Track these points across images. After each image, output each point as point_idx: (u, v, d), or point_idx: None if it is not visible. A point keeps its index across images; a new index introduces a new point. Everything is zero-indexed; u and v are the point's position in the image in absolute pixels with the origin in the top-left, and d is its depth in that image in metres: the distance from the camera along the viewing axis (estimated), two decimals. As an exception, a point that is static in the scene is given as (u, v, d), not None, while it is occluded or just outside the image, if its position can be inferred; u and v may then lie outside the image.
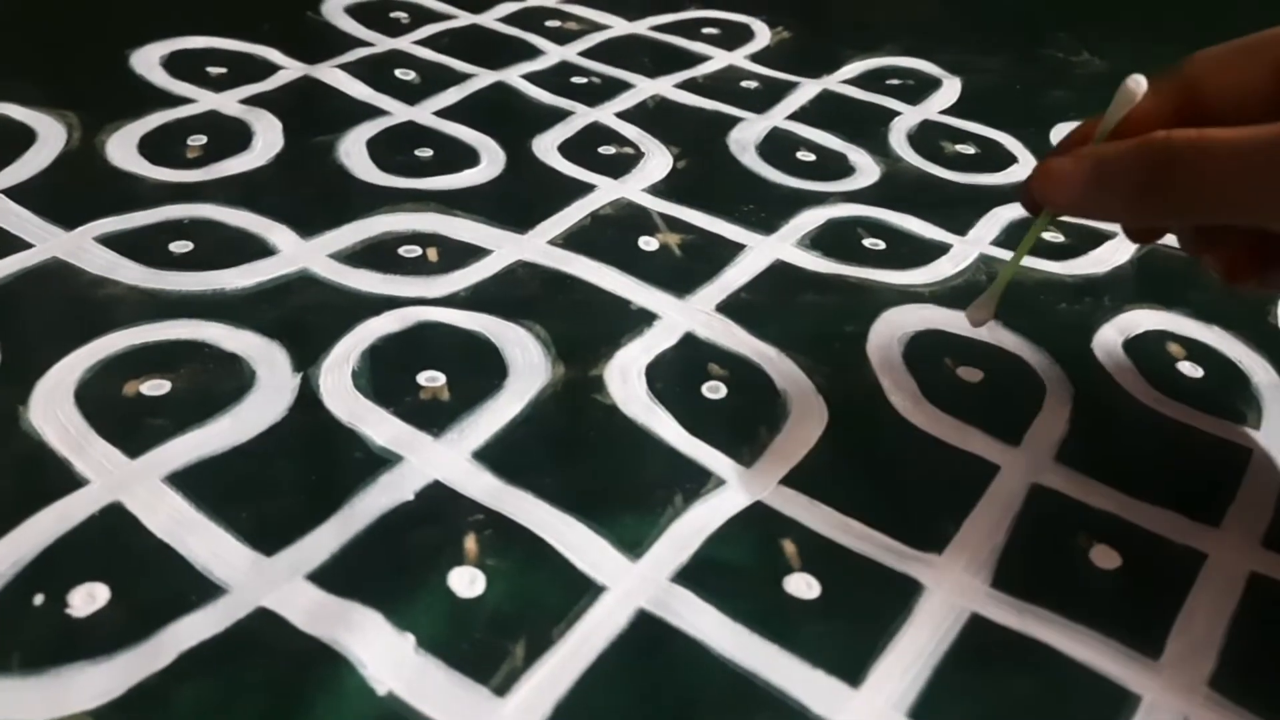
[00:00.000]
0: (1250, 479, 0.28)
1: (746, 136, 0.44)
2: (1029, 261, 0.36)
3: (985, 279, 0.36)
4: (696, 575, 0.24)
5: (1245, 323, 0.34)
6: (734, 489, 0.27)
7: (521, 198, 0.38)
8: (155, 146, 0.39)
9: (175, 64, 0.45)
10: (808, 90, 0.49)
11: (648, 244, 0.36)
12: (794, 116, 0.46)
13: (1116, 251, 0.38)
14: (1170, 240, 0.32)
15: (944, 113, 0.48)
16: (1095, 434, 0.30)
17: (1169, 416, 0.31)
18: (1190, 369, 0.33)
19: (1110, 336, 0.34)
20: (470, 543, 0.24)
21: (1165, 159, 0.24)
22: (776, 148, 0.43)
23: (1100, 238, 0.38)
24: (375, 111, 0.43)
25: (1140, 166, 0.24)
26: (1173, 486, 0.28)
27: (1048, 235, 0.38)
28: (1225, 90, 0.25)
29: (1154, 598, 0.25)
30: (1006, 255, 0.37)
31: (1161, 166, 0.24)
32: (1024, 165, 0.44)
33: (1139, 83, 0.25)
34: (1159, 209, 0.25)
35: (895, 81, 0.50)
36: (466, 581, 0.23)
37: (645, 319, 0.32)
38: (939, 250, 0.37)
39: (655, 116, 0.45)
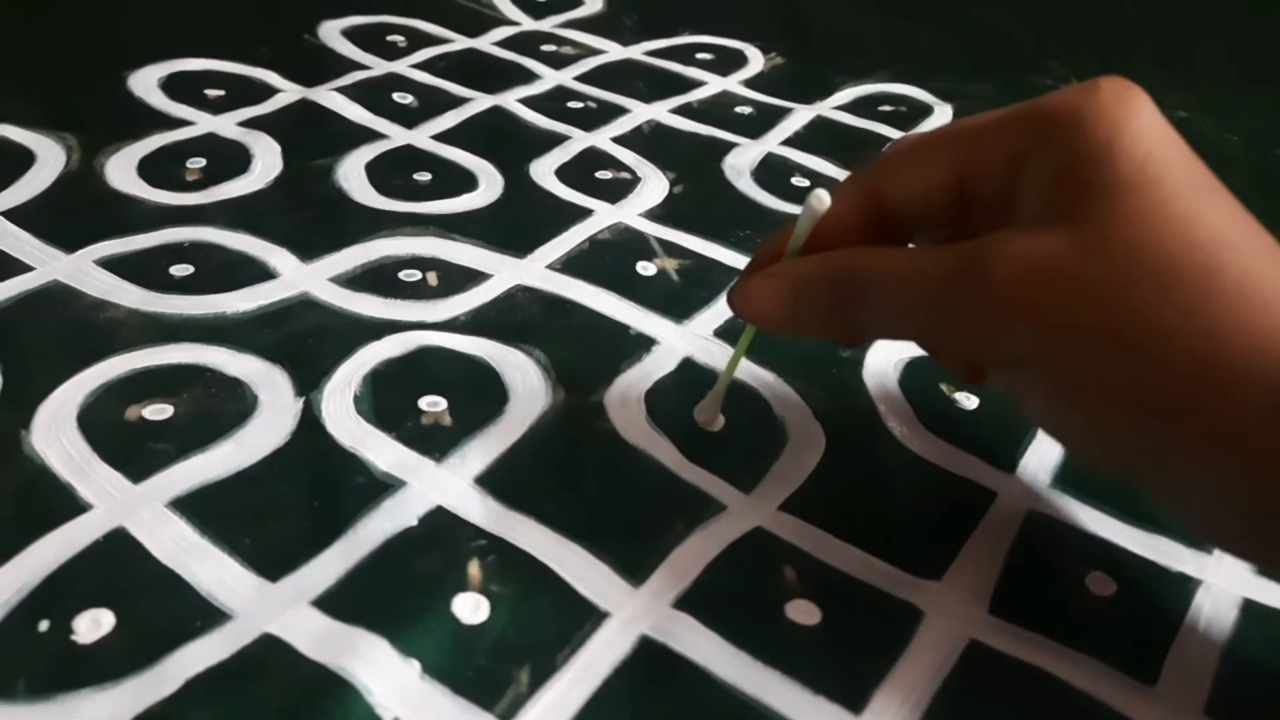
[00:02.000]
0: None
1: (741, 162, 0.44)
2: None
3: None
4: (698, 601, 0.24)
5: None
6: (734, 515, 0.27)
7: (520, 222, 0.38)
8: (154, 169, 0.39)
9: (173, 86, 0.45)
10: (801, 116, 0.49)
11: (645, 269, 0.36)
12: (788, 142, 0.47)
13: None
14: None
15: (936, 139, 0.48)
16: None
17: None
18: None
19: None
20: (474, 568, 0.25)
21: (849, 283, 0.23)
22: (771, 173, 0.44)
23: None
24: (373, 135, 0.43)
25: (829, 291, 0.24)
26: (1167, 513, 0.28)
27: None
28: (907, 195, 0.24)
29: (1149, 624, 0.25)
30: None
31: (847, 291, 0.24)
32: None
33: (821, 199, 0.24)
34: (855, 329, 0.25)
35: (888, 108, 0.51)
36: (470, 608, 0.24)
37: (644, 344, 0.33)
38: (933, 276, 0.38)
39: (651, 141, 0.45)
